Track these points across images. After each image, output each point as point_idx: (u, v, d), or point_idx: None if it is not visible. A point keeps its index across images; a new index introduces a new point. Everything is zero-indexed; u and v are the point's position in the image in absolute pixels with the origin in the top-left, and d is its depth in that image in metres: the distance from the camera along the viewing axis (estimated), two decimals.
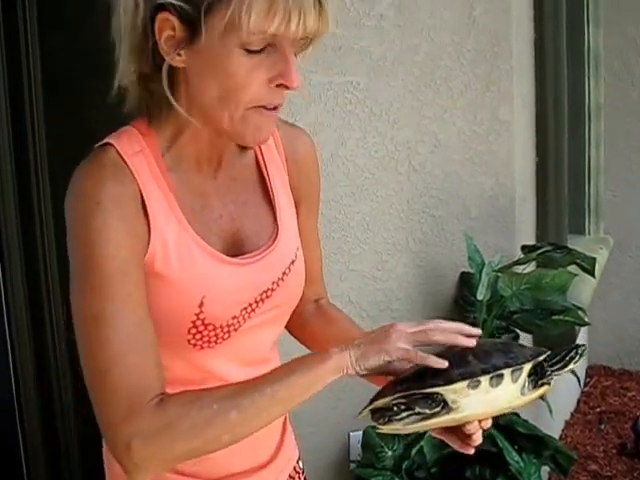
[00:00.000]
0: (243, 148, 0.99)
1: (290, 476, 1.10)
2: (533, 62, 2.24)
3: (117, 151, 0.88)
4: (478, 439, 0.90)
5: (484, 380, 0.84)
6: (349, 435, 1.96)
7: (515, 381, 0.85)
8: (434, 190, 1.99)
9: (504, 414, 0.91)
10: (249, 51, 0.83)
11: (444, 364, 0.84)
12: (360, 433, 1.86)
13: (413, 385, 0.85)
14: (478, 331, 0.90)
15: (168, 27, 0.84)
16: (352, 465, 1.91)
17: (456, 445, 0.92)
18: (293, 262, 1.00)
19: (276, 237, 0.98)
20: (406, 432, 0.89)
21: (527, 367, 0.86)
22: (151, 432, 0.81)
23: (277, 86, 0.85)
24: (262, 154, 1.01)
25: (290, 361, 0.88)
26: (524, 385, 0.86)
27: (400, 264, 1.99)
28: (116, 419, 0.82)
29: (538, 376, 0.88)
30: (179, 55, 0.85)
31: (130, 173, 0.87)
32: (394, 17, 1.88)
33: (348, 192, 1.90)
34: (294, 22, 0.81)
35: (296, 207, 1.04)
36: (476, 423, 0.88)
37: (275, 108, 0.87)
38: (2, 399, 1.66)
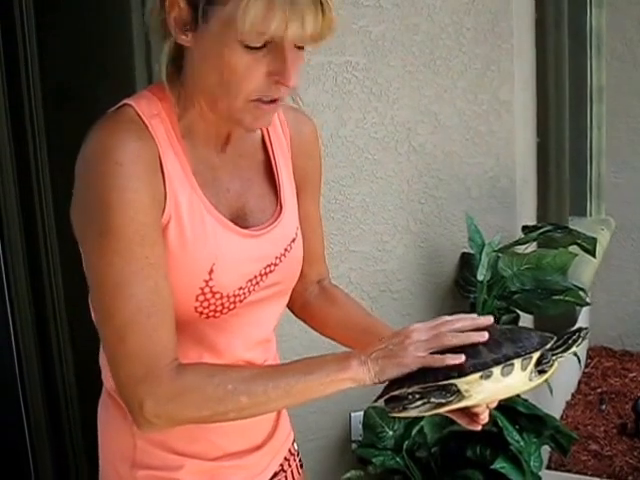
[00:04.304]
0: None
1: (285, 458, 1.11)
2: (534, 42, 2.23)
3: (136, 112, 0.88)
4: (485, 418, 0.93)
5: (496, 370, 0.87)
6: (350, 415, 1.97)
7: (524, 369, 0.88)
8: (434, 170, 1.98)
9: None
10: (249, 47, 0.83)
11: (461, 358, 0.86)
12: (361, 413, 1.87)
13: (428, 376, 0.88)
14: (489, 319, 0.92)
15: (176, 6, 0.85)
16: (353, 445, 1.92)
17: (464, 422, 0.94)
18: (294, 240, 1.02)
19: (279, 214, 1.00)
20: (417, 416, 0.93)
21: (536, 355, 0.89)
22: (165, 396, 0.85)
23: (275, 82, 0.86)
24: (269, 134, 1.02)
25: (309, 359, 0.90)
26: (532, 372, 0.89)
27: (400, 245, 1.98)
28: (132, 380, 0.85)
29: (542, 361, 0.90)
30: (185, 35, 0.87)
31: (149, 133, 0.88)
32: None
33: (348, 173, 1.90)
34: (292, 27, 0.81)
35: (300, 189, 1.06)
36: (484, 405, 0.91)
37: (274, 101, 0.88)
38: (6, 384, 1.67)
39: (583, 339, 0.94)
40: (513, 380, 0.88)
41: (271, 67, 0.85)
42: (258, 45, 0.83)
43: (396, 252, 1.98)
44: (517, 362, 0.87)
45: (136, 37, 1.44)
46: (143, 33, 1.45)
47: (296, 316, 1.17)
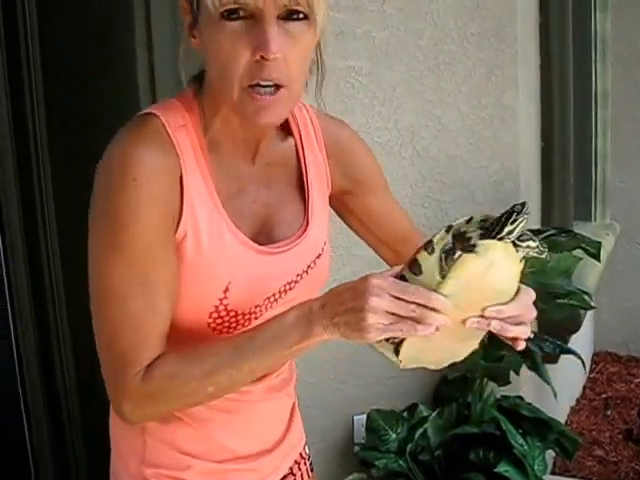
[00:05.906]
0: (284, 135, 0.99)
1: (295, 461, 1.11)
2: (538, 47, 2.23)
3: (162, 123, 0.88)
4: (508, 330, 0.83)
5: (406, 273, 0.81)
6: (353, 418, 1.97)
7: (431, 253, 0.82)
8: (438, 175, 1.99)
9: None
10: (228, 18, 0.82)
11: (430, 329, 0.79)
12: (364, 416, 1.87)
13: None
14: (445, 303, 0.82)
15: (185, 11, 0.88)
16: (356, 448, 1.92)
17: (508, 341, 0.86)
18: (319, 256, 0.99)
19: (306, 229, 0.97)
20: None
21: (440, 233, 0.82)
22: (137, 400, 0.88)
23: (261, 58, 0.83)
24: (302, 143, 1.00)
25: (270, 324, 0.86)
26: (449, 250, 0.81)
27: None
28: (111, 383, 0.89)
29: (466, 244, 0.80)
30: (194, 37, 0.88)
31: (173, 147, 0.87)
32: (397, 1, 1.88)
33: None
34: None
35: (351, 192, 1.05)
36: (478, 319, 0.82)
37: (272, 89, 0.84)
38: (6, 378, 1.68)
39: (519, 214, 0.79)
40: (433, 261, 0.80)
41: (254, 43, 0.82)
42: (234, 7, 0.81)
43: None
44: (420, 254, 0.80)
45: (138, 45, 1.45)
46: (145, 42, 1.46)
47: None
